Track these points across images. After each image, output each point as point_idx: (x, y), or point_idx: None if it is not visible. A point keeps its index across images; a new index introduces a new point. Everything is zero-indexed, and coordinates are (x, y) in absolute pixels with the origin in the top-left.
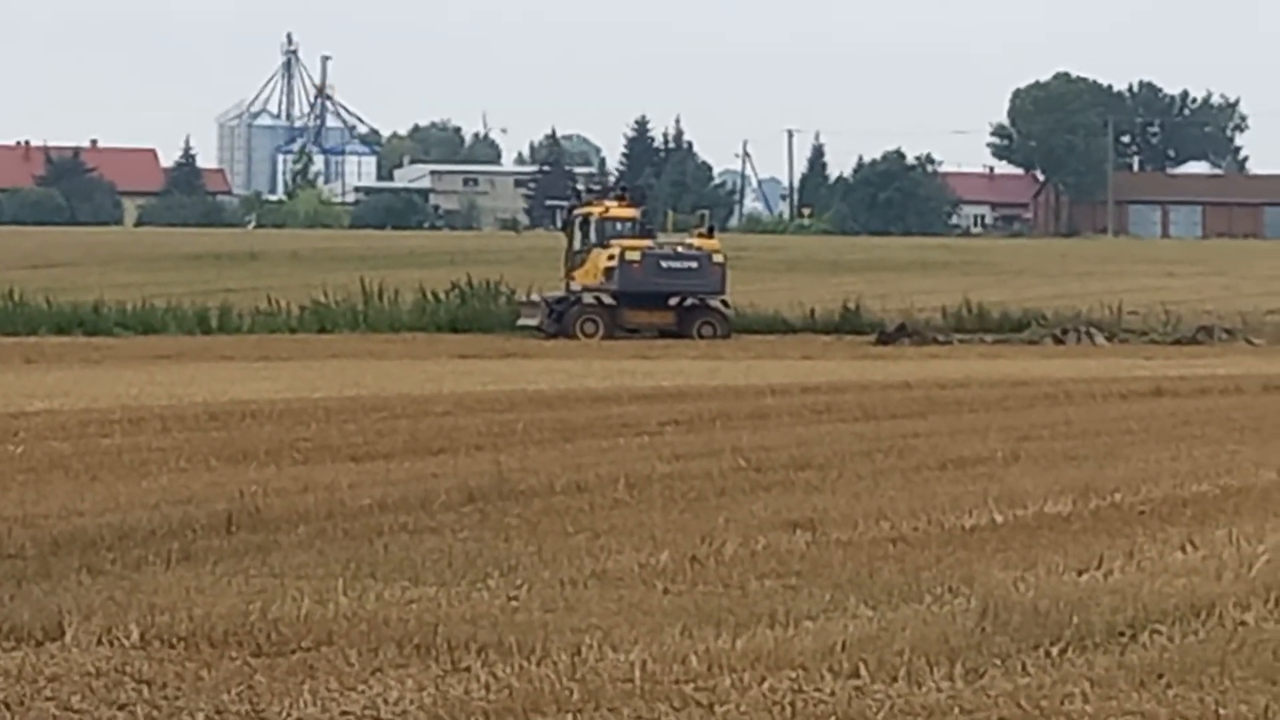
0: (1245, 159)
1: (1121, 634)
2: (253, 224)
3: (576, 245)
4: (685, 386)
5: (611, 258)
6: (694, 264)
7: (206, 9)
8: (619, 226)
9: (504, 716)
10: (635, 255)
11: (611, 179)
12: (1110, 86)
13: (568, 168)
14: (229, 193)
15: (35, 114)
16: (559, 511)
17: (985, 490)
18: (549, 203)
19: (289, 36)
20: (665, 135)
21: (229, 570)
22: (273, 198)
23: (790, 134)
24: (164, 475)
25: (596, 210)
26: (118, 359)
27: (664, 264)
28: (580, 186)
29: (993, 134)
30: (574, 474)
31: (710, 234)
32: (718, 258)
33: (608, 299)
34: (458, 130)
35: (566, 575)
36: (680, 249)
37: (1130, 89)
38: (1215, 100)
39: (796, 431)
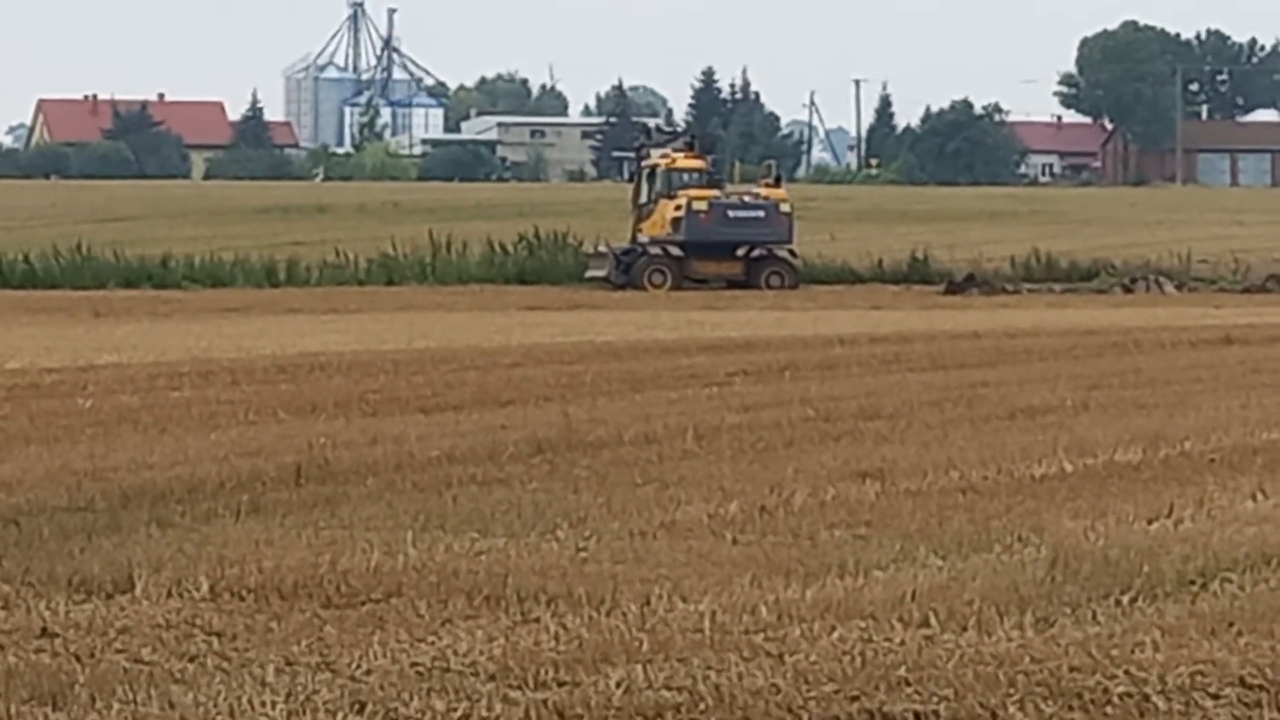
0: None
1: (1192, 582)
2: (320, 177)
3: (644, 197)
4: (753, 337)
5: (679, 208)
6: (761, 213)
7: None
8: (686, 177)
9: (574, 667)
10: (703, 205)
11: (680, 129)
12: (1178, 34)
13: (635, 119)
14: (296, 146)
15: (103, 67)
16: (628, 462)
17: (1055, 439)
18: (616, 154)
19: None
20: (732, 86)
21: (298, 522)
22: (340, 150)
23: (858, 84)
24: (233, 428)
25: (663, 161)
26: (186, 312)
27: (731, 214)
28: (651, 125)
29: (1060, 83)
30: (642, 425)
31: (777, 184)
32: (785, 207)
33: (675, 250)
34: (524, 82)
35: (635, 526)
36: (747, 199)
37: (1198, 36)
38: None
39: (865, 381)
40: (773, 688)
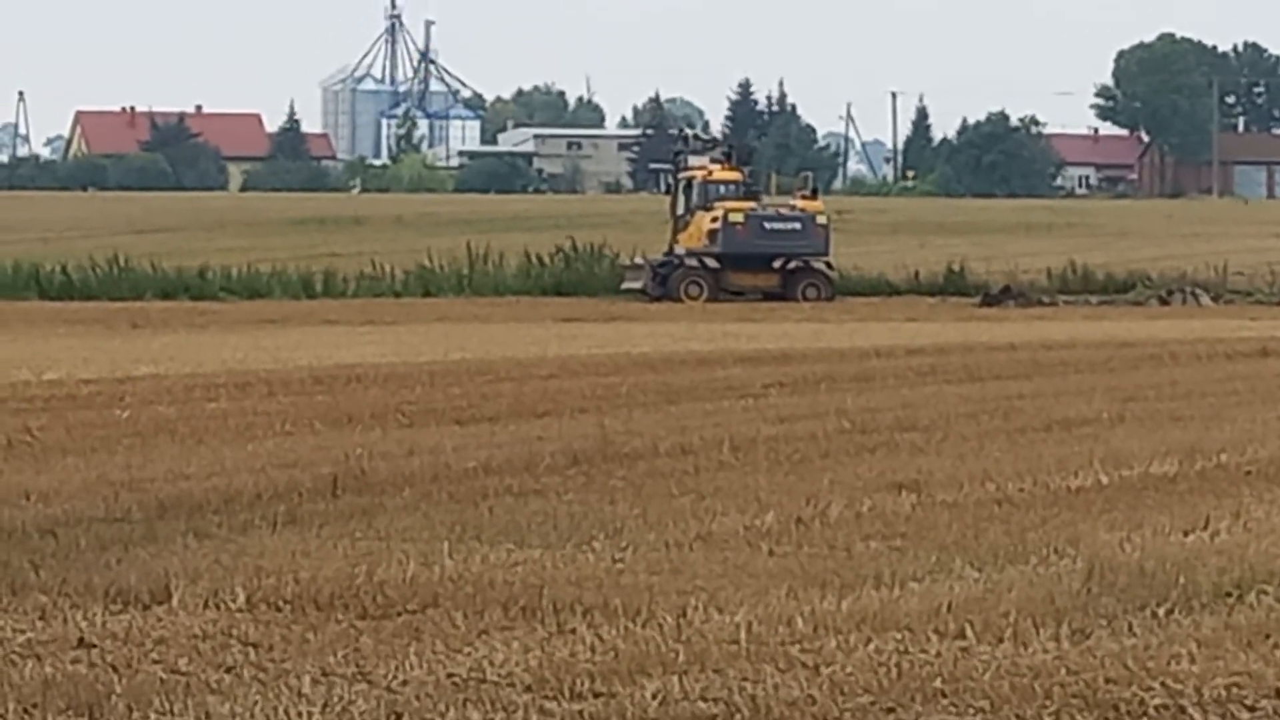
0: None
1: (1228, 594)
2: (357, 189)
3: (680, 209)
4: (789, 349)
5: (715, 220)
6: (797, 225)
7: None
8: (723, 189)
9: (609, 679)
10: (739, 217)
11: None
12: (1215, 47)
13: (671, 130)
14: (333, 158)
15: (140, 80)
16: (663, 474)
17: (1090, 451)
18: (652, 166)
19: (392, 1)
20: (769, 98)
21: (334, 533)
22: (377, 162)
23: (894, 96)
24: (269, 439)
25: (700, 173)
26: (223, 324)
27: (767, 225)
28: (689, 132)
29: (1097, 95)
30: (678, 436)
31: (814, 195)
32: (821, 219)
33: (711, 262)
34: (561, 94)
35: (671, 537)
36: (784, 210)
37: (1235, 49)
38: None
39: (901, 393)
40: (808, 699)
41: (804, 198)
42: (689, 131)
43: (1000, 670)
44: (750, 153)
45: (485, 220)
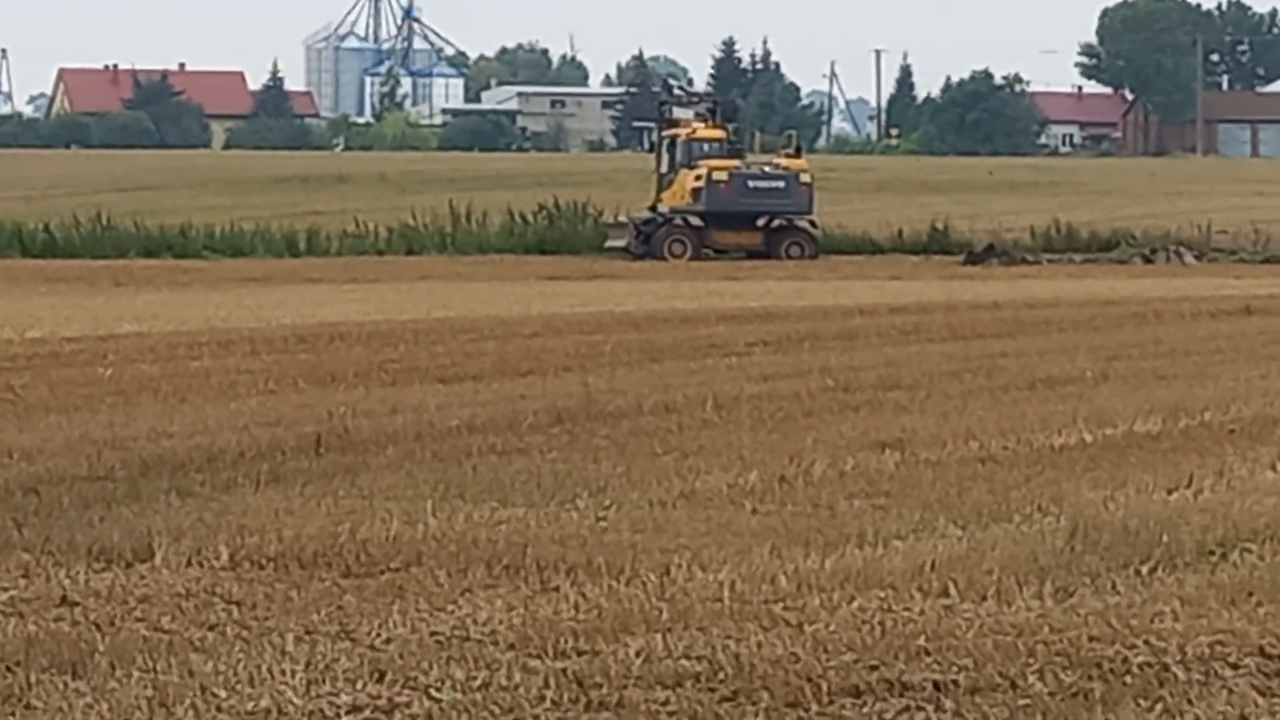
0: None
1: (1211, 552)
2: (340, 147)
3: (664, 167)
4: (773, 307)
5: (699, 178)
6: (781, 184)
7: None
8: (706, 147)
9: (593, 637)
10: (723, 175)
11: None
12: (1199, 5)
13: (655, 88)
14: (316, 115)
15: (123, 37)
16: (647, 432)
17: (1074, 410)
18: (636, 124)
19: None
20: (753, 56)
21: (318, 492)
22: (360, 120)
23: (878, 54)
24: (252, 397)
25: (684, 131)
26: (206, 282)
27: (751, 184)
28: (673, 83)
29: (1081, 53)
30: (662, 395)
31: (797, 154)
32: (805, 178)
33: (695, 220)
34: (545, 52)
35: (655, 496)
36: (767, 169)
37: (1219, 7)
38: None
39: (885, 352)
40: (792, 657)
41: (788, 156)
42: (673, 83)
43: (984, 628)
44: (735, 109)
45: (469, 178)
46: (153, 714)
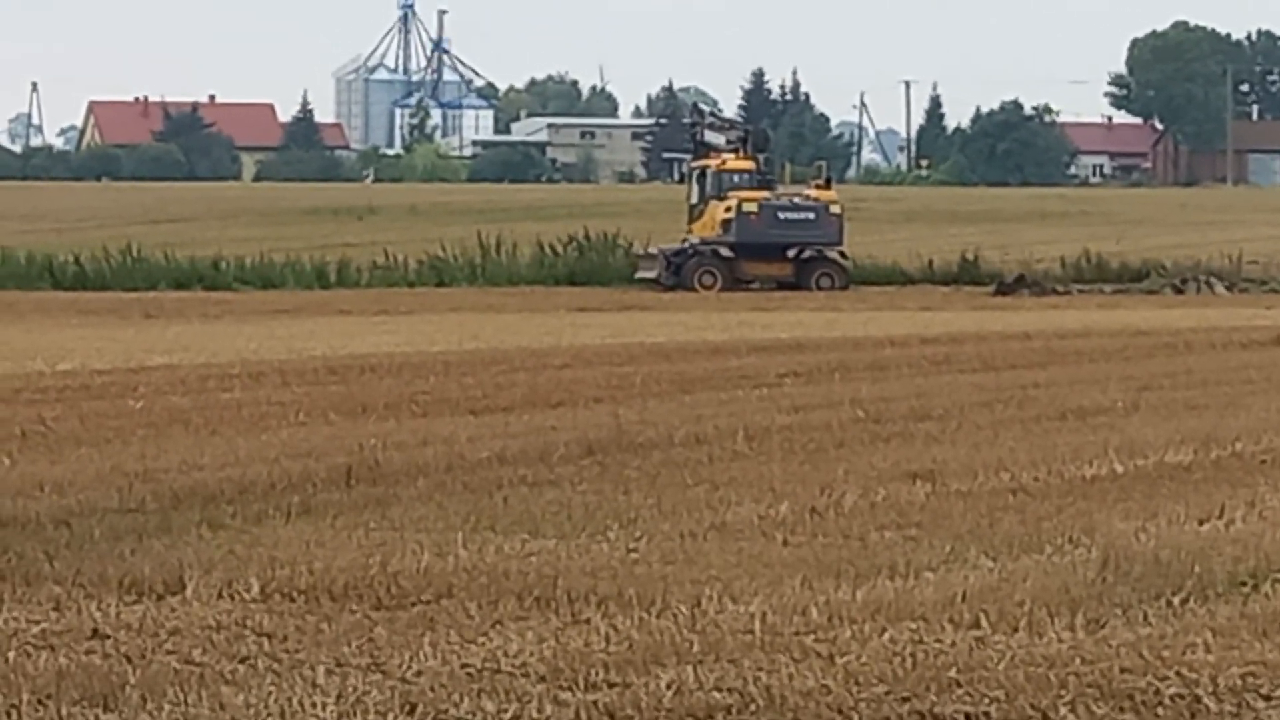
0: None
1: (1244, 583)
2: (370, 178)
3: (694, 198)
4: (804, 338)
5: (729, 210)
6: (811, 215)
7: None
8: (736, 179)
9: (624, 669)
10: (752, 207)
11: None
12: (1229, 34)
13: (685, 120)
14: (346, 147)
15: (153, 70)
16: (678, 464)
17: (1106, 440)
18: (666, 155)
19: None
20: (782, 87)
21: (349, 524)
22: (390, 152)
23: (907, 85)
24: (283, 429)
25: (714, 162)
26: (237, 314)
27: (781, 215)
28: (705, 108)
29: (1111, 83)
30: (693, 426)
31: (827, 185)
32: (835, 209)
33: (725, 251)
34: (575, 83)
35: (686, 527)
36: (797, 200)
37: (1249, 37)
38: None
39: (916, 382)
40: (823, 689)
41: (818, 187)
42: (704, 107)
43: (1015, 660)
44: (766, 140)
45: (499, 210)
46: None
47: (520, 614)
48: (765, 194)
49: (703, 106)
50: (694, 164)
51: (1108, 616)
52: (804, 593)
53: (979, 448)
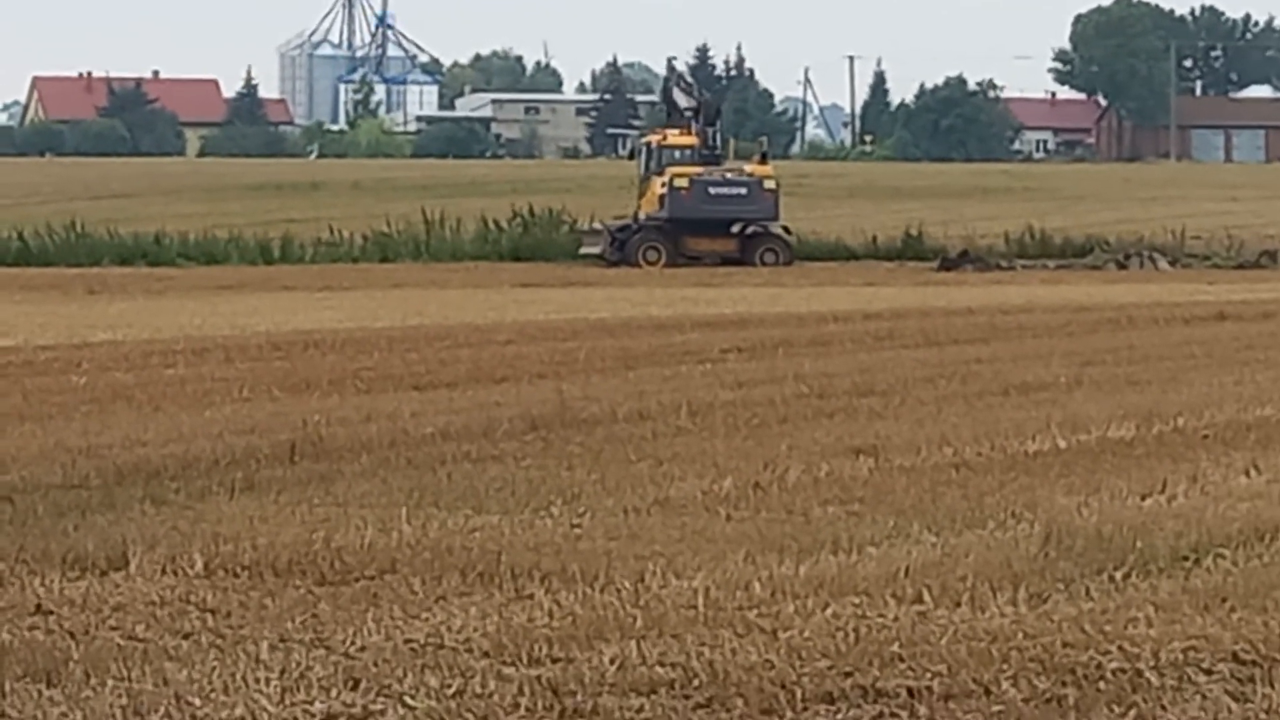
0: None
1: (1185, 558)
2: (315, 154)
3: (640, 173)
4: (747, 314)
5: (664, 185)
6: (744, 190)
7: None
8: (677, 154)
9: (568, 644)
10: (683, 182)
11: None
12: (1172, 10)
13: (629, 96)
14: (291, 123)
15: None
16: (622, 439)
17: (1048, 415)
18: (610, 131)
19: None
20: (726, 63)
21: (292, 499)
22: (334, 128)
23: (851, 61)
24: (227, 405)
25: (656, 138)
26: (180, 289)
27: (713, 190)
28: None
29: (1054, 59)
30: (636, 402)
31: (764, 160)
32: (769, 184)
33: (668, 226)
34: (519, 59)
35: (629, 503)
36: (730, 175)
37: (1192, 12)
38: (1278, 24)
39: (859, 358)
40: (766, 664)
41: (758, 163)
42: (677, 66)
43: (958, 634)
44: (716, 113)
45: (443, 185)
46: None
47: (464, 589)
48: (698, 169)
49: (676, 64)
50: (641, 140)
51: (1050, 591)
52: (747, 568)
53: (922, 423)
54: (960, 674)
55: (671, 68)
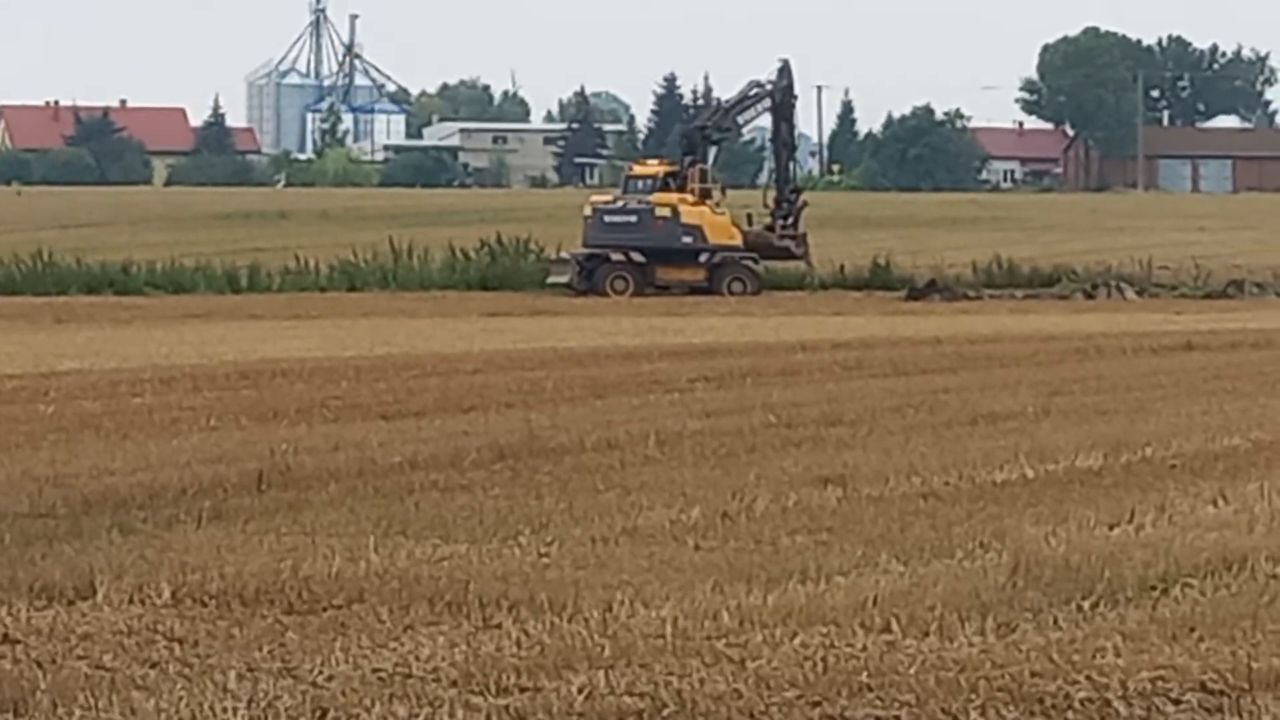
0: (1275, 113)
1: (1153, 588)
2: (282, 183)
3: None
4: (715, 343)
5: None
6: (634, 218)
7: None
8: (640, 184)
9: (535, 673)
10: (588, 210)
11: (641, 135)
12: (1140, 41)
13: (596, 125)
14: (258, 152)
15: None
16: (590, 469)
17: (1016, 445)
18: (578, 160)
19: None
20: (694, 92)
21: (260, 529)
22: (302, 157)
23: (819, 90)
24: (195, 434)
25: (638, 168)
26: (148, 318)
27: (607, 219)
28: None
29: (1022, 89)
30: (604, 431)
31: (681, 189)
32: (662, 211)
33: (637, 256)
34: (487, 88)
35: (598, 532)
36: (632, 204)
37: (1160, 43)
38: (1245, 54)
39: (827, 388)
40: (734, 693)
41: (674, 191)
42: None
43: (926, 664)
44: (690, 143)
45: (410, 215)
46: None
47: (432, 619)
48: (607, 197)
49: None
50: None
51: (1018, 621)
52: (715, 597)
53: (890, 453)
54: (928, 704)
55: (712, 99)
